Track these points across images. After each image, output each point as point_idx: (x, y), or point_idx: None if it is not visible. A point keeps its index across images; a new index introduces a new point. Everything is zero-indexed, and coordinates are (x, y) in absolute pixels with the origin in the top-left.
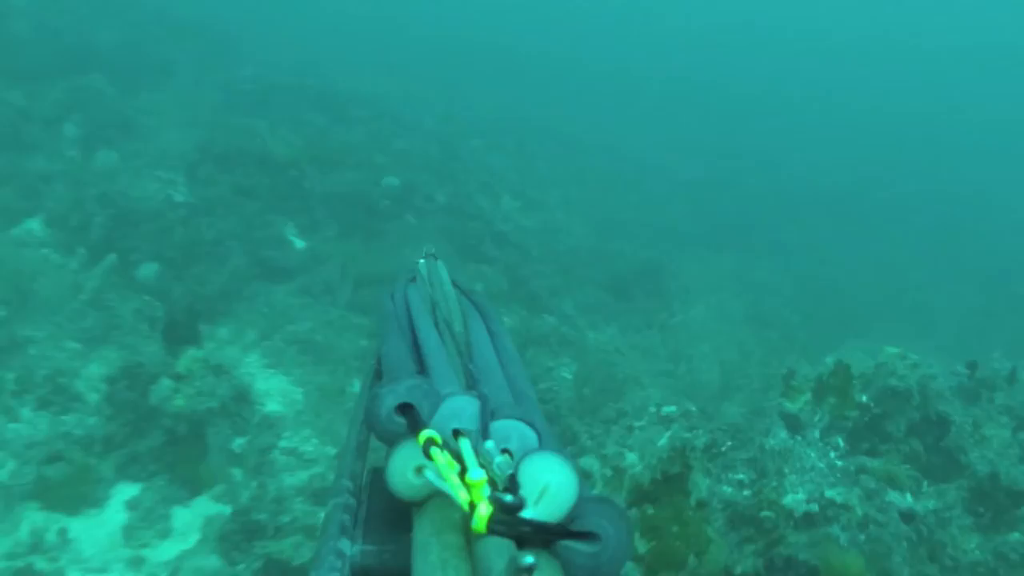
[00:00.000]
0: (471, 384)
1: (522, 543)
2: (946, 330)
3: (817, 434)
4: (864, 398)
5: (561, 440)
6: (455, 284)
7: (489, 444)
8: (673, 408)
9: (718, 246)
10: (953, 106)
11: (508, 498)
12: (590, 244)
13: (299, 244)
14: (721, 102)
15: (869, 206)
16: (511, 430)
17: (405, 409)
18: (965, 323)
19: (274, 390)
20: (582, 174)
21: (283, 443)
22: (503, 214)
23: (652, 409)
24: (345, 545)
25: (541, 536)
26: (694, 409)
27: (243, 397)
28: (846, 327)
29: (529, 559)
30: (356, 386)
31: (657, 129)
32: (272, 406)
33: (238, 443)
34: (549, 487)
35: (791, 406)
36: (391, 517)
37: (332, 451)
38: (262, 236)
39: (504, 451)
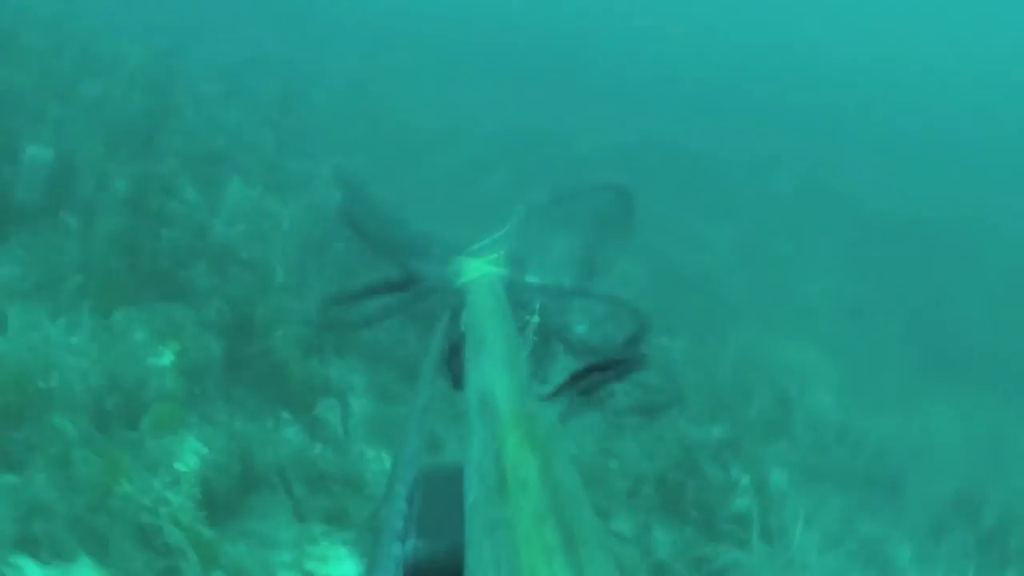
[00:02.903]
0: None
1: None
2: (824, 325)
3: None
4: None
5: None
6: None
7: None
8: None
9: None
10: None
11: None
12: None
13: None
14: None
15: (722, 167)
16: None
17: None
18: (841, 317)
19: None
20: (373, 132)
21: None
22: (230, 213)
23: None
24: (398, 549)
25: None
26: None
27: None
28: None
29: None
30: None
31: (468, 74)
32: None
33: None
34: None
35: None
36: (443, 516)
37: None
38: None
39: None
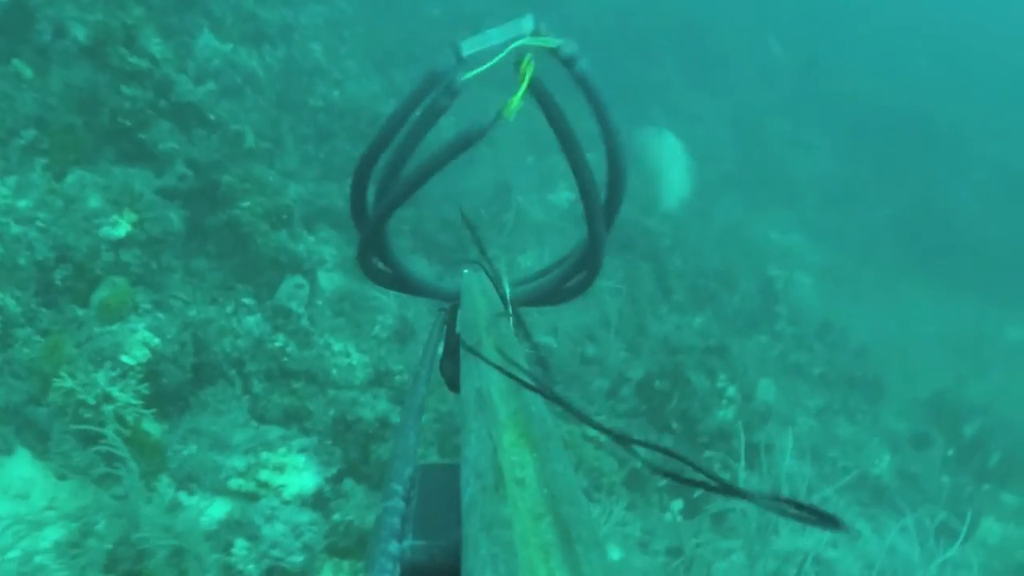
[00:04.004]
0: None
1: None
2: (810, 201)
3: None
4: None
5: None
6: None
7: None
8: None
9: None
10: None
11: None
12: (369, 95)
13: None
14: None
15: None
16: None
17: None
18: (830, 202)
19: None
20: None
21: None
22: (198, 68)
23: None
24: (395, 547)
25: None
26: None
27: None
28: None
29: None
30: None
31: None
32: None
33: None
34: None
35: None
36: (440, 514)
37: None
38: None
39: None
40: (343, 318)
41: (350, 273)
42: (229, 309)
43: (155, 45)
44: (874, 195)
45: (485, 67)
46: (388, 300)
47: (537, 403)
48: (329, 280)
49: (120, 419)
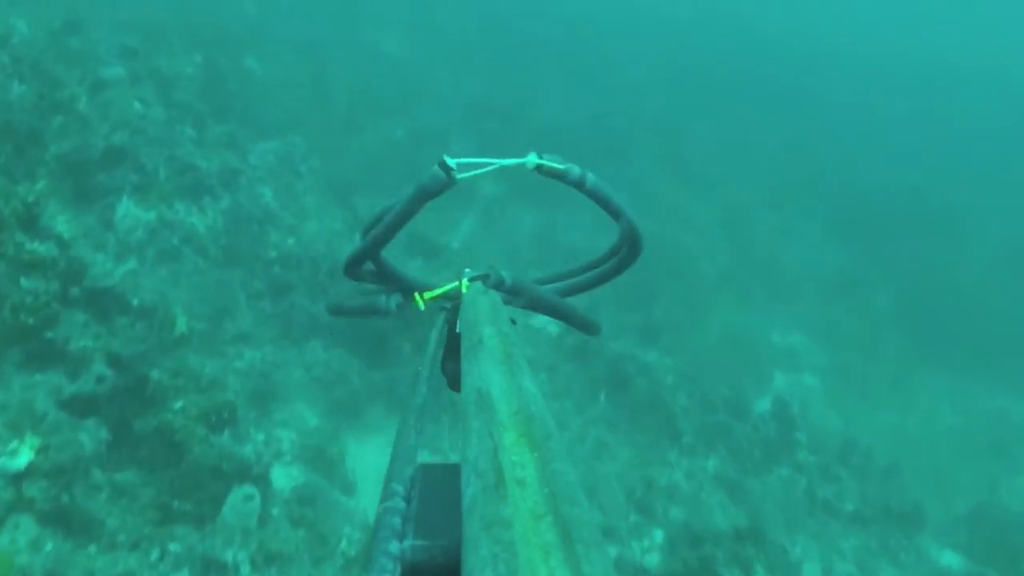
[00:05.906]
0: None
1: None
2: (808, 295)
3: None
4: None
5: None
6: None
7: None
8: None
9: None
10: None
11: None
12: (329, 235)
13: None
14: None
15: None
16: None
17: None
18: (825, 282)
19: None
20: (319, 101)
21: None
22: (119, 243)
23: None
24: (395, 547)
25: None
26: None
27: None
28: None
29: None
30: None
31: (426, 32)
32: None
33: None
34: None
35: None
36: (440, 514)
37: None
38: None
39: None
40: (303, 529)
41: (311, 463)
42: (153, 557)
43: (62, 223)
44: (872, 281)
45: (478, 171)
46: (357, 503)
47: (538, 403)
48: (287, 477)
49: None
